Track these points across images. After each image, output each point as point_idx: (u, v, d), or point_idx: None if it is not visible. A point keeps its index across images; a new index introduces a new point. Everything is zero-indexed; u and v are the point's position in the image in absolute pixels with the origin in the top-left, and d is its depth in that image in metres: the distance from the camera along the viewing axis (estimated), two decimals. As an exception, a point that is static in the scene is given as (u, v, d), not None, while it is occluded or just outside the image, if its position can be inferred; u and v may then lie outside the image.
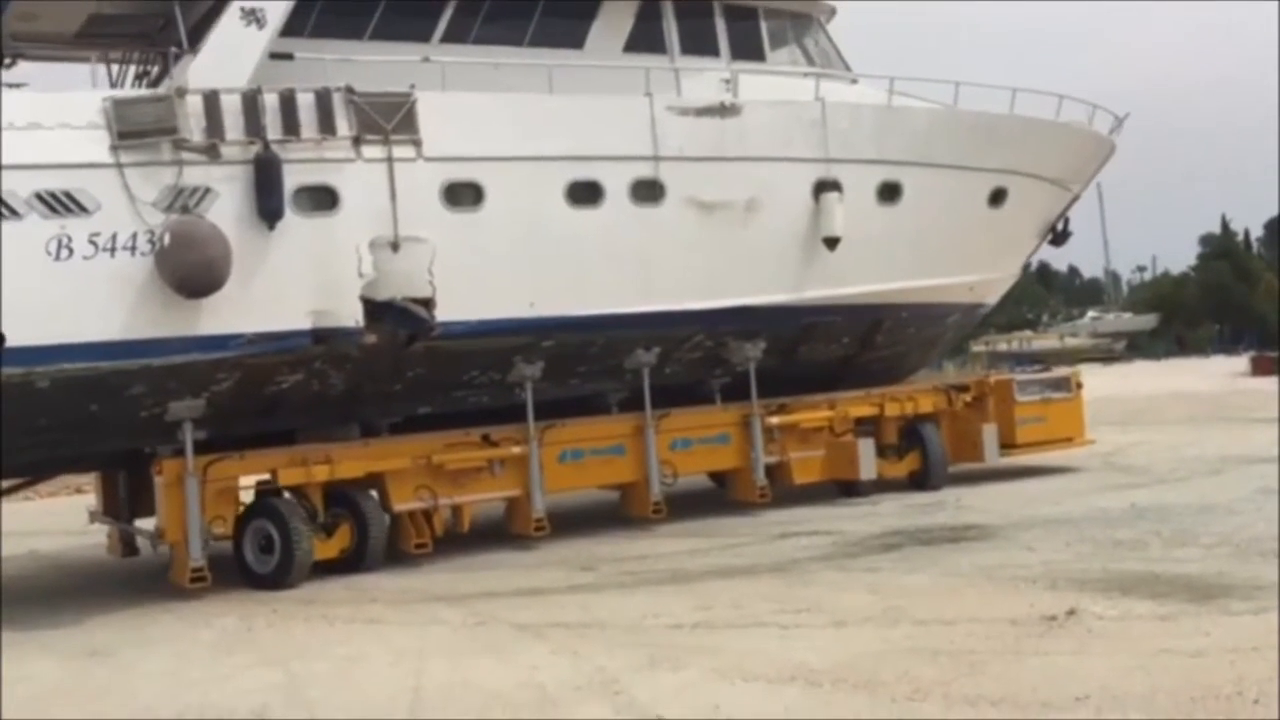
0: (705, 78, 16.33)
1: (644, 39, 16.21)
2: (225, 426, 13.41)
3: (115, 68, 16.02)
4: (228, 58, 13.43)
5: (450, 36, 15.13)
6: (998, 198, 18.51)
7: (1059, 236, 20.92)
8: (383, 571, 13.66)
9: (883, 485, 17.46)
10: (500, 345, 14.68)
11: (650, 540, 14.75)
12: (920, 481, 17.80)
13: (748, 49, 17.02)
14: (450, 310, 13.98)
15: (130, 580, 14.05)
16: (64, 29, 15.22)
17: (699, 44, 16.60)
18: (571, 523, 16.16)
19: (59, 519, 20.02)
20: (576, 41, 15.88)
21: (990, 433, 18.30)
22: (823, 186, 16.41)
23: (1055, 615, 9.31)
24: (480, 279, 14.21)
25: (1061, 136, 19.53)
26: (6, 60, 14.99)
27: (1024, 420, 18.70)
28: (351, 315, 13.56)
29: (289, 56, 13.94)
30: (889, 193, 17.20)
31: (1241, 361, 56.65)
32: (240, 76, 13.33)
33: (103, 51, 15.90)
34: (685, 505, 16.92)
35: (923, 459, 17.95)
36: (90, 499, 16.77)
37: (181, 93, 12.95)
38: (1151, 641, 8.45)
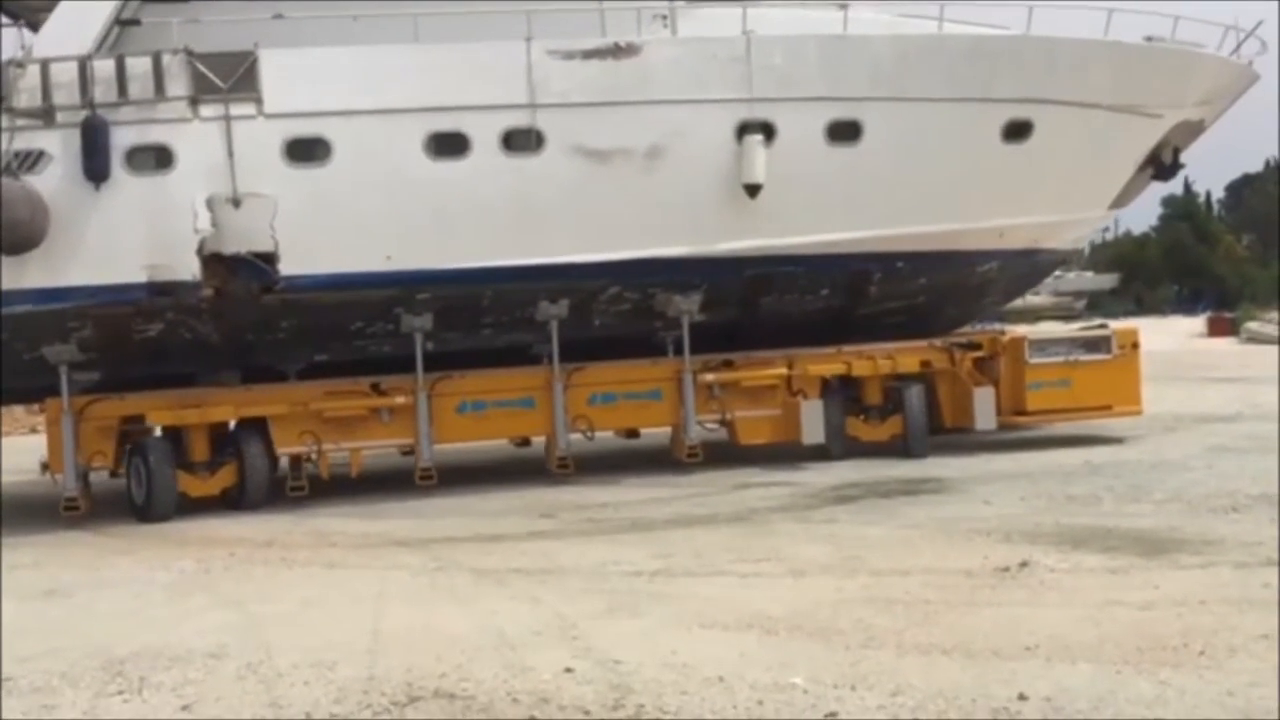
0: (629, 17, 15.39)
1: None
2: (117, 371, 14.26)
3: None
4: (71, 27, 14.01)
5: None
6: (1018, 131, 16.44)
7: (1162, 170, 18.49)
8: (345, 515, 13.74)
9: (861, 449, 16.32)
10: (363, 298, 14.71)
11: (612, 489, 14.80)
12: (902, 447, 16.35)
13: None
14: (298, 264, 14.21)
15: (88, 522, 13.99)
16: None
17: None
18: (532, 470, 16.19)
19: (13, 458, 19.83)
20: None
21: (984, 396, 16.44)
22: (746, 129, 15.25)
23: (1008, 567, 9.44)
24: (330, 233, 14.31)
25: (1118, 56, 17.09)
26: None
27: (1038, 384, 16.61)
28: (188, 269, 13.99)
29: (136, 22, 14.29)
30: (844, 132, 15.69)
31: (1198, 322, 57.30)
32: (83, 44, 13.84)
33: None
34: (649, 455, 16.99)
35: (904, 424, 16.45)
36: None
37: (18, 63, 13.65)
38: (1101, 593, 8.58)
